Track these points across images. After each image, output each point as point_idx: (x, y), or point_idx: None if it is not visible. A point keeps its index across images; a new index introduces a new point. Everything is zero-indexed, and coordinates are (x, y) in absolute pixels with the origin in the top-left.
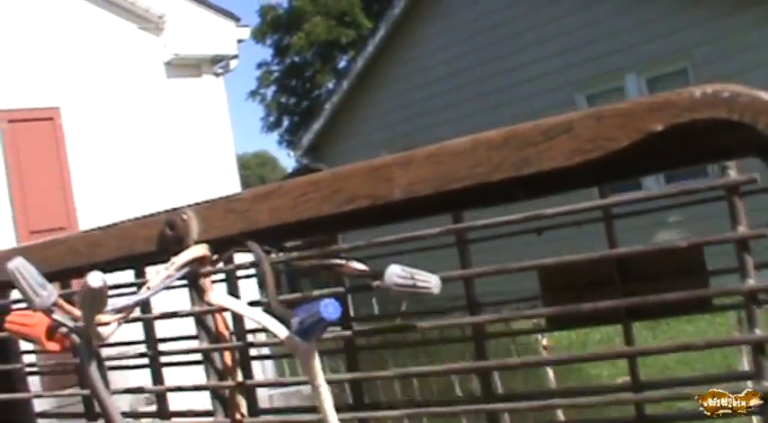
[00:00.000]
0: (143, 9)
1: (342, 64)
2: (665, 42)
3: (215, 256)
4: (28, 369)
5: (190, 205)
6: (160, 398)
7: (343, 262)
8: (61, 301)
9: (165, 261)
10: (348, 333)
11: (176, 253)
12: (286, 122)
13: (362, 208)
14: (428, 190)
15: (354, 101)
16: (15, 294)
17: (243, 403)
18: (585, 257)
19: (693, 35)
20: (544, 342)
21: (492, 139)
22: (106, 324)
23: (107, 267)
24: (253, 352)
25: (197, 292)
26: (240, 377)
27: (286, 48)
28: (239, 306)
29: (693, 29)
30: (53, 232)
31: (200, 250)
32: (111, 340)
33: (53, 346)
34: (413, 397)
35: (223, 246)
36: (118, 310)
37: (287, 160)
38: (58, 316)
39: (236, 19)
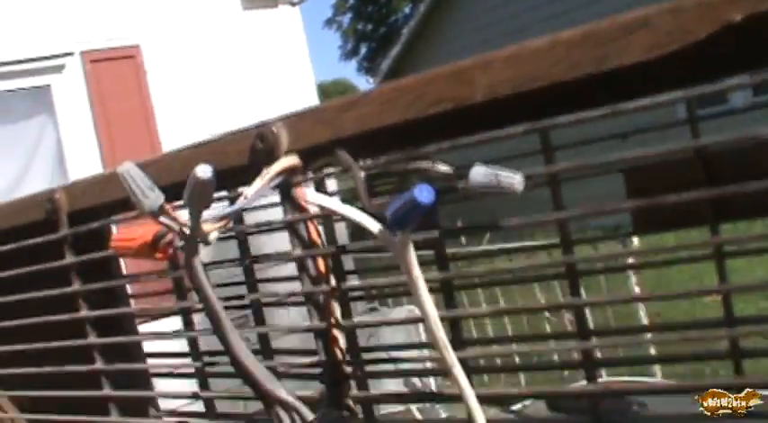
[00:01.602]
0: None
1: None
2: None
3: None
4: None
5: (279, 117)
6: (257, 311)
7: (428, 165)
8: (167, 205)
9: (256, 174)
10: (436, 234)
11: (268, 165)
12: (364, 49)
13: (446, 111)
14: (508, 90)
15: (432, 24)
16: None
17: (337, 308)
18: (677, 149)
19: None
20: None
21: (571, 38)
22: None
23: None
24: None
25: (290, 201)
26: (333, 283)
27: None
28: (334, 203)
29: None
30: None
31: (292, 160)
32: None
33: (159, 256)
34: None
35: (312, 155)
36: (219, 218)
37: (367, 87)
38: (164, 219)
39: None
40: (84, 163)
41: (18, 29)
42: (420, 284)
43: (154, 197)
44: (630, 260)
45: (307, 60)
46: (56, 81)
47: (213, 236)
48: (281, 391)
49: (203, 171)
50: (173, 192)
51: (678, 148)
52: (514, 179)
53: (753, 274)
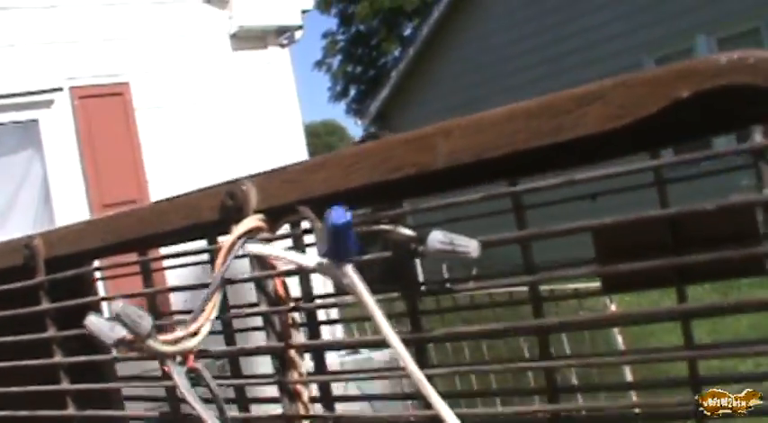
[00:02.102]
0: None
1: (407, 31)
2: (736, 1)
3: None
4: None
5: (249, 176)
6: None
7: (390, 228)
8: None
9: (227, 230)
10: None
11: (237, 221)
12: (353, 91)
13: (409, 176)
14: (469, 158)
15: (421, 68)
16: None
17: (300, 363)
18: (642, 217)
19: None
20: (617, 332)
21: (529, 108)
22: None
23: (174, 236)
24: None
25: (255, 257)
26: (301, 338)
27: (351, 16)
28: (273, 250)
29: None
30: (125, 205)
31: (253, 222)
32: None
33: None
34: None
35: (280, 214)
36: (191, 321)
37: (355, 129)
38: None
39: None
40: (70, 199)
41: (7, 63)
42: (373, 308)
43: (145, 323)
44: (612, 307)
45: (295, 101)
46: (44, 116)
47: (198, 338)
48: None
49: (117, 307)
50: (150, 241)
51: (645, 217)
52: (470, 246)
53: (738, 323)
